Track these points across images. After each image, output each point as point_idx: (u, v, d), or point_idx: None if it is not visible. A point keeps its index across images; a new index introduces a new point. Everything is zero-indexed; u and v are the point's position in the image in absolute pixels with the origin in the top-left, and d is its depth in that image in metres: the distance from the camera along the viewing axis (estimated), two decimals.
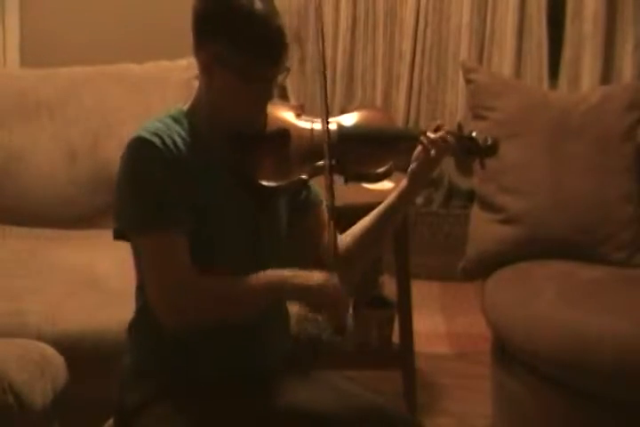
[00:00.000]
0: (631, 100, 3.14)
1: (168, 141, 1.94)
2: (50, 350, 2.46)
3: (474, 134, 2.12)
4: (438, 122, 2.10)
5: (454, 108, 4.59)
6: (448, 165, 4.72)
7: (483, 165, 2.14)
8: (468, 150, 2.11)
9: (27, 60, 4.43)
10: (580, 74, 4.45)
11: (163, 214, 1.92)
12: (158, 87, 3.52)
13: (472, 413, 3.25)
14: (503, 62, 4.49)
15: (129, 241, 2.00)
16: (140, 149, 1.94)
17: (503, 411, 2.94)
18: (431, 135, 2.05)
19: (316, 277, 1.93)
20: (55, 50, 4.33)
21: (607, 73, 4.42)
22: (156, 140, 1.93)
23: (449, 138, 2.05)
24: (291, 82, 4.58)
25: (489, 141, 2.11)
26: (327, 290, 1.92)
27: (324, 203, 2.10)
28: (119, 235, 1.99)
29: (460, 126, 2.14)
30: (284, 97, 4.57)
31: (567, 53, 4.47)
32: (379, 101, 4.61)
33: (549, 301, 2.76)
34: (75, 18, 4.45)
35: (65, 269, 3.00)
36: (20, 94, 3.54)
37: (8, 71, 4.19)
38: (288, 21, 4.56)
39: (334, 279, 1.93)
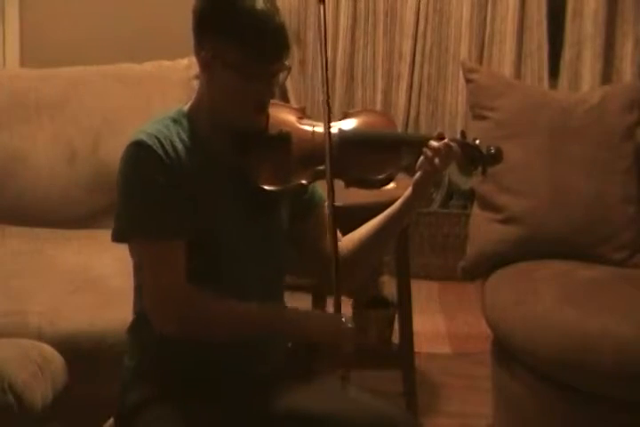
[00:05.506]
0: (631, 100, 3.14)
1: (167, 145, 1.93)
2: (50, 350, 2.46)
3: (477, 142, 2.10)
4: (439, 131, 2.07)
5: (454, 108, 4.59)
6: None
7: (484, 174, 2.12)
8: (472, 158, 2.09)
9: (27, 60, 4.43)
10: (580, 74, 4.45)
11: (160, 221, 1.92)
12: (158, 87, 3.52)
13: (472, 413, 3.25)
14: (503, 62, 4.49)
15: (127, 243, 1.99)
16: (138, 153, 1.92)
17: (503, 411, 2.93)
18: (434, 144, 2.02)
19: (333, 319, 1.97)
20: (55, 50, 4.33)
21: (607, 73, 4.42)
22: (155, 144, 1.92)
23: (453, 145, 2.03)
24: (291, 83, 4.58)
25: (492, 150, 2.10)
26: (344, 332, 1.99)
27: (326, 205, 2.10)
28: (119, 237, 1.97)
29: (463, 134, 2.12)
30: (284, 98, 4.57)
31: (567, 53, 4.47)
32: (379, 101, 4.61)
33: (549, 301, 2.76)
34: (75, 18, 4.45)
35: (65, 269, 3.00)
36: (20, 94, 3.54)
37: (8, 71, 4.18)
38: (288, 22, 4.56)
39: (347, 319, 1.97)
